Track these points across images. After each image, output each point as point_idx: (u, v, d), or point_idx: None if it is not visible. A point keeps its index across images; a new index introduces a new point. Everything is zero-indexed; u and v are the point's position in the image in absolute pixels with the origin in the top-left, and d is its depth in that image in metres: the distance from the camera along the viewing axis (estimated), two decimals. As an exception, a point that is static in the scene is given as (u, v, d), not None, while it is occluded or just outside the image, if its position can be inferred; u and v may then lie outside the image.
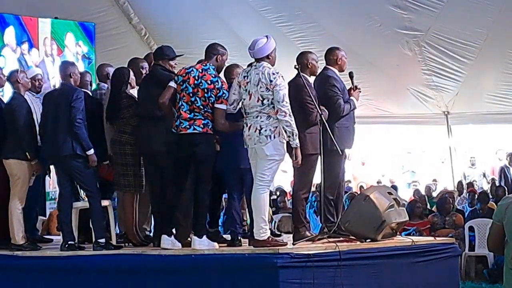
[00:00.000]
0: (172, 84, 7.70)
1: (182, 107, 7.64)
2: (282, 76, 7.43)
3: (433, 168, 19.71)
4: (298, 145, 7.44)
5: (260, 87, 7.41)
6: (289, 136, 7.39)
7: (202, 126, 7.59)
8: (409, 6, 14.51)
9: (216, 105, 7.59)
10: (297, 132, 7.40)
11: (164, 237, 7.70)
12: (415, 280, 7.91)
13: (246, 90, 7.52)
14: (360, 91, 8.48)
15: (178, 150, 7.69)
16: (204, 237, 7.66)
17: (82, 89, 8.42)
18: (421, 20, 14.79)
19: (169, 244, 7.67)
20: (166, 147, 7.83)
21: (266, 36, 7.59)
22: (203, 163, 7.65)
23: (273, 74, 7.39)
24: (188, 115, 7.61)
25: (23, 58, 14.66)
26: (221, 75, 8.05)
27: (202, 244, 7.58)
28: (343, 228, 8.07)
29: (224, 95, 7.60)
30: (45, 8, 15.28)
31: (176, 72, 7.92)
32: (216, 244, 7.74)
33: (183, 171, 7.75)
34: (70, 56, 15.21)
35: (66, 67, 8.42)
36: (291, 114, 7.36)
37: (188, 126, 7.60)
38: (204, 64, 7.74)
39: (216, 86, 7.60)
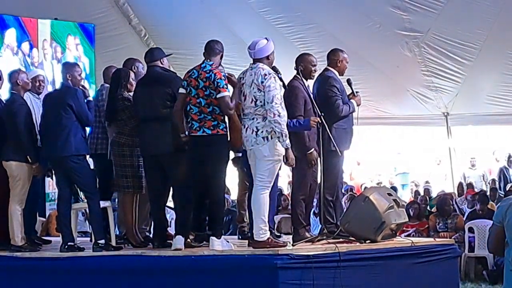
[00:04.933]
0: (182, 90, 7.72)
1: (191, 110, 7.65)
2: (275, 77, 7.44)
3: (432, 169, 19.71)
4: (289, 146, 7.43)
5: (253, 88, 7.44)
6: (278, 137, 7.38)
7: (212, 128, 7.61)
8: (408, 7, 14.49)
9: (217, 96, 7.57)
10: (286, 133, 7.38)
11: (213, 239, 7.65)
12: (415, 281, 7.91)
13: (241, 91, 7.54)
14: (360, 97, 8.51)
15: (190, 151, 7.71)
16: (222, 237, 7.70)
17: None
18: (421, 21, 14.78)
19: (219, 245, 7.63)
20: (173, 148, 7.82)
21: (266, 38, 7.61)
22: (214, 163, 7.65)
23: (266, 75, 7.41)
24: (198, 117, 7.63)
25: (25, 60, 14.66)
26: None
27: (220, 245, 7.59)
28: (342, 229, 8.07)
29: (220, 84, 7.55)
30: (45, 9, 15.26)
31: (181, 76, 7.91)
32: (232, 245, 7.76)
33: (194, 172, 7.75)
34: (71, 58, 15.21)
35: (65, 68, 8.44)
36: (280, 115, 7.35)
37: (198, 128, 7.62)
38: (203, 63, 7.75)
39: (211, 81, 7.59)
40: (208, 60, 7.73)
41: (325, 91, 8.26)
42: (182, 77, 7.86)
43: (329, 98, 8.21)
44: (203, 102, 7.62)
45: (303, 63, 8.21)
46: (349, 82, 8.56)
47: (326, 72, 8.44)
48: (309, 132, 8.00)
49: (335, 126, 8.21)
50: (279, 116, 7.33)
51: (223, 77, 7.61)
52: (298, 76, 8.08)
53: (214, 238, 7.61)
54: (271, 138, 7.39)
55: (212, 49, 7.82)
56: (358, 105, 8.43)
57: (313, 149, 7.97)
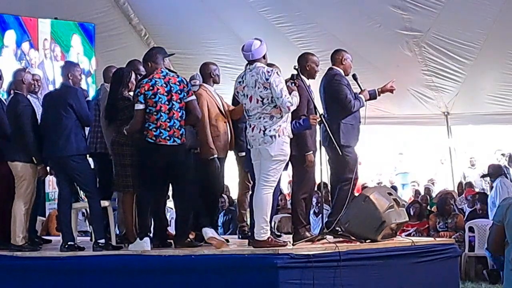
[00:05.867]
0: (140, 106, 7.75)
1: (161, 117, 7.75)
2: (277, 72, 7.45)
3: (432, 168, 19.71)
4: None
5: (258, 88, 7.42)
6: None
7: (180, 136, 7.78)
8: (409, 6, 14.49)
9: (188, 99, 7.82)
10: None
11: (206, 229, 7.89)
12: (415, 281, 7.90)
13: (244, 94, 7.52)
14: (367, 92, 8.53)
15: (157, 159, 7.78)
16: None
17: None
18: (421, 21, 14.78)
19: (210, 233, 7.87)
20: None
21: (259, 39, 7.61)
22: (184, 169, 7.84)
23: (268, 72, 7.41)
24: (168, 124, 7.74)
25: (25, 59, 14.66)
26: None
27: (211, 232, 7.86)
28: (343, 229, 8.07)
29: (190, 87, 7.90)
30: (45, 8, 15.27)
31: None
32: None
33: (162, 179, 7.92)
34: (75, 57, 15.23)
35: (65, 67, 8.43)
36: (293, 104, 7.40)
37: (168, 137, 7.74)
38: (160, 71, 7.86)
39: (184, 84, 7.85)
40: (163, 67, 7.91)
41: (334, 88, 8.28)
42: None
43: (339, 94, 8.24)
44: (177, 105, 7.77)
45: (309, 63, 8.21)
46: (354, 77, 8.57)
47: (331, 70, 8.46)
48: (311, 132, 8.00)
49: (344, 122, 8.24)
50: (292, 105, 7.40)
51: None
52: (299, 75, 8.07)
53: (207, 228, 7.83)
54: (279, 136, 7.38)
55: (158, 58, 7.97)
56: (366, 100, 8.45)
57: (311, 151, 7.98)
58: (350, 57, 8.54)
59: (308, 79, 8.20)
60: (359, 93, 8.43)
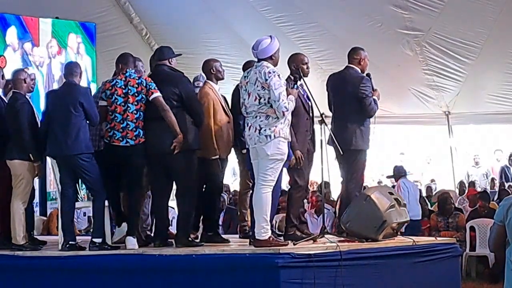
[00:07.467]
0: (102, 103, 8.00)
1: (116, 118, 7.92)
2: (279, 75, 7.40)
3: (433, 168, 19.70)
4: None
5: (257, 86, 7.41)
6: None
7: (134, 138, 7.89)
8: (410, 6, 14.51)
9: (151, 98, 7.88)
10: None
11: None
12: (416, 280, 7.91)
13: (246, 90, 7.52)
14: (378, 92, 8.55)
15: (110, 159, 7.97)
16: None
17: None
18: (422, 20, 14.79)
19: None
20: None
21: (270, 36, 7.57)
22: (135, 172, 7.99)
23: (269, 73, 7.36)
24: (121, 125, 7.89)
25: (27, 58, 14.67)
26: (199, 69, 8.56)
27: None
28: (344, 228, 8.08)
29: (151, 86, 7.90)
30: (46, 8, 15.29)
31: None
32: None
33: (114, 179, 8.09)
34: (72, 56, 15.23)
35: (69, 67, 8.41)
36: (288, 110, 7.36)
37: (121, 139, 7.89)
38: (125, 72, 7.98)
39: (143, 85, 7.90)
40: (130, 69, 8.01)
41: (361, 92, 8.29)
42: (151, 81, 7.97)
43: (365, 100, 8.28)
44: (132, 108, 7.88)
45: (295, 63, 8.21)
46: (369, 76, 8.56)
47: (349, 69, 8.47)
48: (301, 131, 7.99)
49: (362, 127, 8.33)
50: (287, 111, 7.36)
51: (151, 81, 7.93)
52: (291, 76, 8.08)
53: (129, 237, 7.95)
54: (274, 136, 7.37)
55: (129, 60, 8.09)
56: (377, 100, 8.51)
57: (297, 150, 7.99)
58: (367, 55, 8.59)
59: (299, 79, 8.20)
60: (372, 95, 8.43)
